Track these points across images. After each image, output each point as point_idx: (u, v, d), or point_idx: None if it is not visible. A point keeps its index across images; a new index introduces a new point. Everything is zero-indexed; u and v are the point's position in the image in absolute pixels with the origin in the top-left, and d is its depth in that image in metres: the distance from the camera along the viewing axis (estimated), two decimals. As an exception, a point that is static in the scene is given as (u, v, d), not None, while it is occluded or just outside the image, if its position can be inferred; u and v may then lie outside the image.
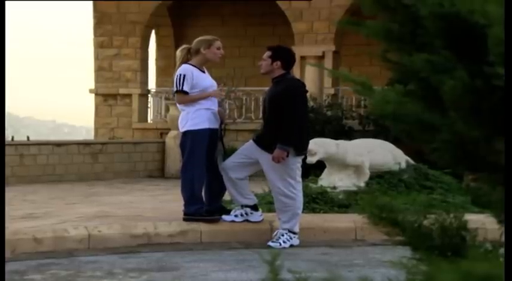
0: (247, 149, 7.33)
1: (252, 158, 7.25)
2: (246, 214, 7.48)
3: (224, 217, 7.53)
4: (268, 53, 7.08)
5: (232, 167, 7.27)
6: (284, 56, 7.09)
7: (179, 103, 7.48)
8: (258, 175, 7.65)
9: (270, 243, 7.17)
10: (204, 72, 7.52)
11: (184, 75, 7.31)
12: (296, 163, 7.16)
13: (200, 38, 7.63)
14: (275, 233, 7.27)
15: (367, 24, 2.09)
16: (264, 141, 7.13)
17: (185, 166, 7.42)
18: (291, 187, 7.14)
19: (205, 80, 7.46)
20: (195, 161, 7.34)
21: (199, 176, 7.39)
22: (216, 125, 7.44)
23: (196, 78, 7.36)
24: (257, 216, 7.53)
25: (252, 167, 7.36)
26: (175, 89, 7.39)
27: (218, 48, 7.52)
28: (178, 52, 7.57)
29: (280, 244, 7.15)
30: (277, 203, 7.27)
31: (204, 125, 7.33)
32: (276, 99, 7.03)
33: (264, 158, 7.13)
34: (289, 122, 6.95)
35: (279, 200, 7.21)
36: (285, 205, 7.18)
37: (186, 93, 7.32)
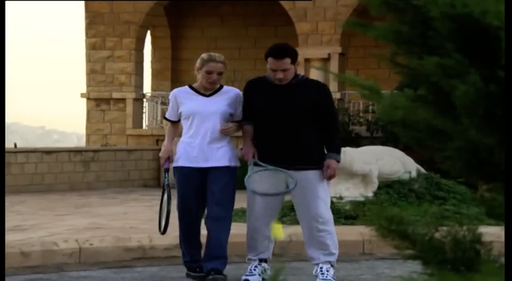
0: (269, 185, 6.04)
1: (279, 194, 6.13)
2: (265, 269, 6.27)
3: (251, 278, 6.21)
4: (287, 60, 6.00)
5: (267, 217, 6.11)
6: (296, 54, 6.23)
7: None
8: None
9: None
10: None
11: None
12: None
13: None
14: (315, 269, 6.08)
15: (375, 26, 2.10)
16: (300, 158, 6.02)
17: None
18: (327, 206, 6.17)
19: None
20: None
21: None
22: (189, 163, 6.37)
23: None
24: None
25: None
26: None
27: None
28: None
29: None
30: (313, 231, 6.09)
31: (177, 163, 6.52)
32: (319, 103, 6.11)
33: (305, 178, 6.00)
34: (336, 126, 6.24)
35: (316, 227, 6.07)
36: (325, 232, 6.10)
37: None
